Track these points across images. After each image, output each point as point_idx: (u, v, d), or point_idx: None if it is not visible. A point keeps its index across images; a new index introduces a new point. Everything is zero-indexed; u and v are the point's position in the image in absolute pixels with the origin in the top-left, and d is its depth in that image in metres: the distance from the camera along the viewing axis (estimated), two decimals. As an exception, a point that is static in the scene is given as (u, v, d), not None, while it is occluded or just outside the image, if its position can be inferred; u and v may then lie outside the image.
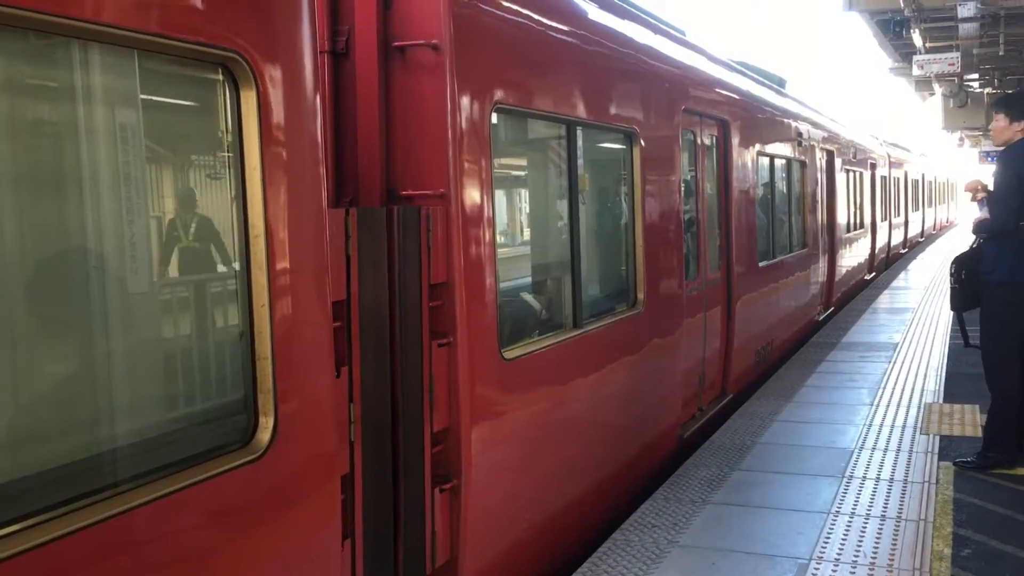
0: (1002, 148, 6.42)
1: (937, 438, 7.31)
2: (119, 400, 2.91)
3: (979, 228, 6.47)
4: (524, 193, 6.35)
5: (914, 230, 31.02)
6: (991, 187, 6.74)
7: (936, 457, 6.81)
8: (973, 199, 7.19)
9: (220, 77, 3.09)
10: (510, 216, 6.09)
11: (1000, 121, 6.36)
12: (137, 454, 2.89)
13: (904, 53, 21.91)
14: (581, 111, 5.69)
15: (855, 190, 17.35)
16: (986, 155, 38.20)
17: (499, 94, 4.74)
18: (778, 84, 12.38)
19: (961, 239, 33.58)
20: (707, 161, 8.49)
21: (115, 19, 2.64)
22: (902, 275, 21.12)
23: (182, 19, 2.85)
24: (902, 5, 16.09)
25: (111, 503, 2.64)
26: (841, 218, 15.41)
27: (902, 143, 30.64)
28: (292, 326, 3.26)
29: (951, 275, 6.75)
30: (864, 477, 6.39)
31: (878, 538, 5.30)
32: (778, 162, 11.30)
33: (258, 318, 3.14)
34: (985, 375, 6.48)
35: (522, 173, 6.32)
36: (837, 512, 5.74)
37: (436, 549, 4.32)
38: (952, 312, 7.04)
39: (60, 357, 2.84)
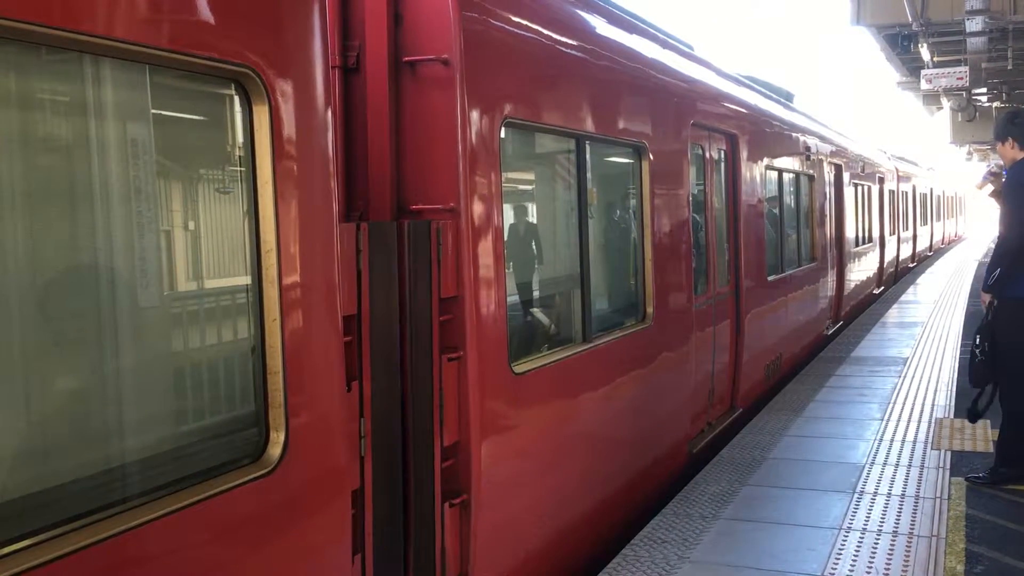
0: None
1: (948, 453, 7.26)
2: (131, 414, 2.91)
3: (1001, 255, 6.24)
4: (533, 207, 6.35)
5: (922, 244, 30.95)
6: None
7: (948, 472, 6.76)
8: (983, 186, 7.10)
9: (232, 92, 3.11)
10: (521, 229, 6.09)
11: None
12: (148, 469, 2.89)
13: (912, 67, 21.93)
14: (590, 125, 5.70)
15: (863, 204, 17.32)
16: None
17: (509, 108, 4.75)
18: (786, 98, 12.38)
19: (970, 252, 33.54)
20: (716, 175, 8.49)
21: (129, 35, 2.65)
22: (911, 289, 21.05)
23: (195, 35, 2.86)
24: (910, 20, 16.11)
25: (122, 518, 2.64)
26: (849, 232, 15.38)
27: (910, 157, 30.62)
28: (303, 341, 3.26)
29: (975, 347, 6.37)
30: (875, 492, 6.35)
31: (890, 554, 5.26)
32: (786, 176, 11.29)
33: (269, 333, 3.14)
34: (999, 390, 6.43)
35: (532, 187, 6.32)
36: (848, 528, 5.70)
37: (446, 564, 4.30)
38: (971, 385, 6.59)
39: (72, 371, 2.85)
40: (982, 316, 6.47)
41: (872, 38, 19.23)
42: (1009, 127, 6.38)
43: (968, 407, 6.62)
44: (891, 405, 9.06)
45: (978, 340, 6.37)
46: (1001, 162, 6.94)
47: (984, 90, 23.56)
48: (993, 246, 6.51)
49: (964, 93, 21.87)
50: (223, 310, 3.40)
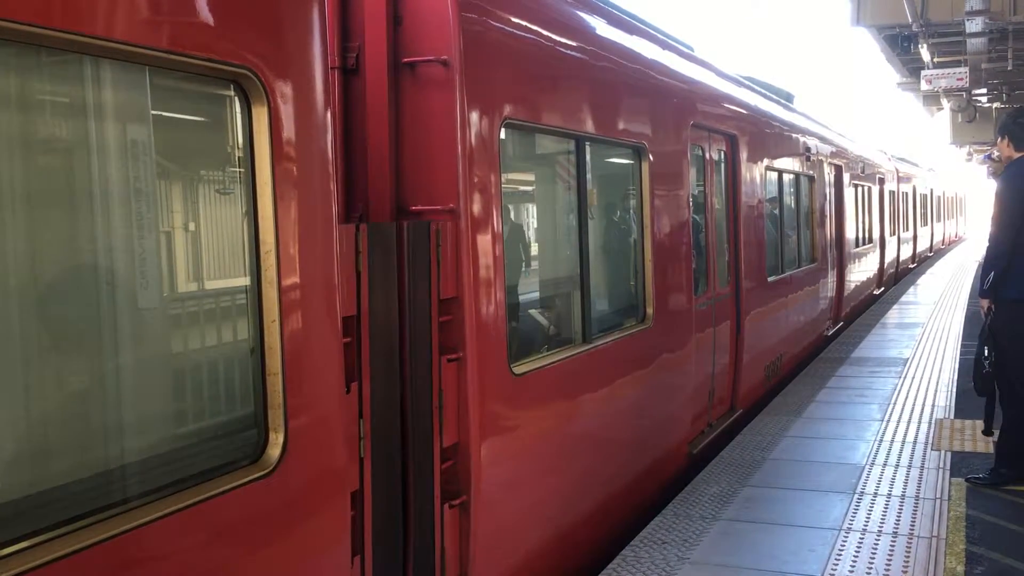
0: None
1: (948, 454, 7.26)
2: (130, 415, 2.91)
3: (994, 258, 6.26)
4: (533, 208, 6.35)
5: (923, 245, 30.95)
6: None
7: (948, 473, 6.76)
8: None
9: (232, 93, 3.11)
10: (521, 230, 6.09)
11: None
12: (147, 470, 2.89)
13: (912, 68, 21.90)
14: (590, 126, 5.70)
15: (863, 205, 17.32)
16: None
17: (508, 109, 4.75)
18: (786, 99, 12.38)
19: (970, 253, 33.50)
20: (716, 176, 8.49)
21: (129, 36, 2.65)
22: (911, 290, 21.05)
23: (195, 36, 2.86)
24: (910, 20, 16.08)
25: (121, 520, 2.64)
26: (850, 233, 15.38)
27: (910, 157, 30.61)
28: (302, 342, 3.26)
29: (984, 357, 6.29)
30: (875, 493, 6.35)
31: (890, 555, 5.26)
32: (786, 177, 11.29)
33: (268, 334, 3.14)
34: (998, 391, 6.42)
35: (531, 188, 6.32)
36: (848, 529, 5.70)
37: (446, 565, 4.30)
38: (977, 394, 6.55)
39: (71, 372, 2.85)
40: (981, 321, 6.46)
41: (872, 39, 19.19)
42: (1011, 125, 6.38)
43: (983, 427, 6.52)
44: (891, 406, 9.05)
45: (987, 351, 6.28)
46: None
47: (984, 91, 23.51)
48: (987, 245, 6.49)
49: (964, 94, 21.84)
50: (223, 311, 3.40)
